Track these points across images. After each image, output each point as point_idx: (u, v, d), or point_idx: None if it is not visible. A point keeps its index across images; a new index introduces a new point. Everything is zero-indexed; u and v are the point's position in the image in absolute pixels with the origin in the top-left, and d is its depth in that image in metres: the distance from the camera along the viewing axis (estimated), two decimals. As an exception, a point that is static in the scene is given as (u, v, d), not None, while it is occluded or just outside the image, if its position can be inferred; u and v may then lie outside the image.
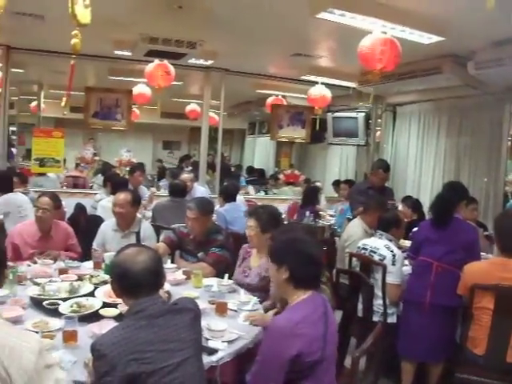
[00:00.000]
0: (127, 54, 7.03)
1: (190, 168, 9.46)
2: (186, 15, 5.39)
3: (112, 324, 2.68)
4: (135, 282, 2.15)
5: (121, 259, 2.21)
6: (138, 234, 4.49)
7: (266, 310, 3.36)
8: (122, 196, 4.44)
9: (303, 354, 2.18)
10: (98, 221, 5.30)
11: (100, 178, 8.50)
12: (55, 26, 6.09)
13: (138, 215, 4.75)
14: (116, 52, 7.11)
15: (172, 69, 6.59)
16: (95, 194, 7.18)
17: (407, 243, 4.92)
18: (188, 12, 5.32)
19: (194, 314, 2.24)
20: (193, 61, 7.07)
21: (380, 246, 4.27)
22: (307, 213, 7.13)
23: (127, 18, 5.58)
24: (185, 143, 16.58)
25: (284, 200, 9.14)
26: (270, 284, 3.60)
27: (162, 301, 2.21)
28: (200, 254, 4.19)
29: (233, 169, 12.82)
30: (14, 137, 9.62)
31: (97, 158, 10.38)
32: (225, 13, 5.35)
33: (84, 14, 3.73)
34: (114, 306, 3.00)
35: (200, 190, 7.08)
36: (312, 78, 8.17)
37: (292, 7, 4.96)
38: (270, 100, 9.90)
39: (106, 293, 3.21)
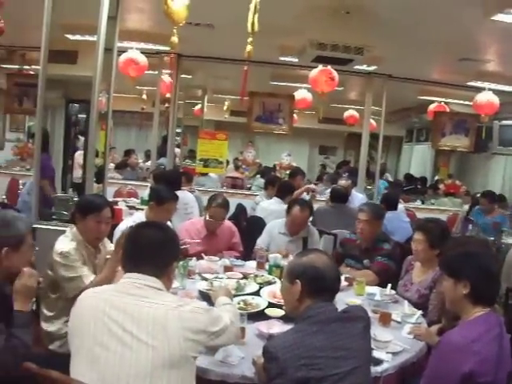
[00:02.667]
0: (293, 59, 7.15)
1: (347, 174, 9.41)
2: (353, 21, 5.36)
3: (279, 324, 2.74)
4: (327, 286, 2.16)
5: (314, 262, 2.19)
6: (305, 239, 4.52)
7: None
8: (299, 213, 4.46)
9: (475, 373, 2.06)
10: (258, 222, 5.43)
11: (258, 180, 8.73)
12: (224, 34, 6.38)
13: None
14: (281, 58, 7.27)
15: (335, 74, 6.60)
16: (255, 195, 7.38)
17: None
18: (355, 17, 5.29)
19: (366, 322, 2.20)
20: (356, 66, 7.03)
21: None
22: (470, 226, 6.80)
23: (295, 24, 5.67)
24: (340, 149, 16.54)
25: (443, 211, 8.76)
26: (429, 302, 3.47)
27: (335, 308, 2.19)
28: (365, 261, 4.14)
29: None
30: (177, 138, 10.18)
31: (257, 160, 10.67)
32: (392, 17, 5.24)
33: (255, 22, 3.86)
34: (279, 306, 3.04)
35: (358, 197, 7.00)
36: (478, 83, 7.76)
37: (464, 10, 4.74)
38: (432, 107, 9.56)
39: (270, 293, 3.28)
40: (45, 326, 3.03)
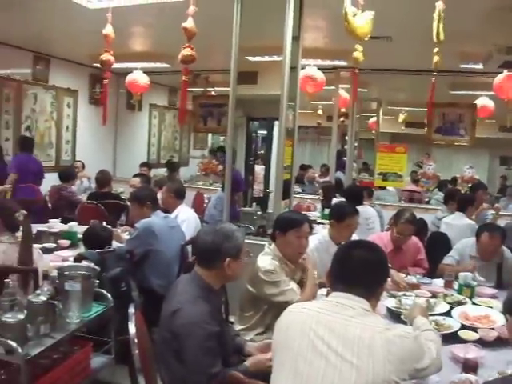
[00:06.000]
0: (476, 66, 6.83)
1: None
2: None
3: (476, 350, 2.55)
4: None
5: None
6: (499, 265, 4.18)
7: None
8: (489, 240, 4.13)
9: None
10: (442, 238, 5.24)
11: (438, 194, 8.43)
12: (402, 46, 6.28)
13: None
14: (462, 65, 6.97)
15: (522, 80, 6.16)
16: (435, 209, 7.14)
17: None
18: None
19: None
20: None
21: None
22: None
23: (478, 29, 5.40)
24: (525, 159, 15.32)
25: None
26: None
27: None
28: None
29: None
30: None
31: (438, 174, 10.29)
32: None
33: (441, 31, 3.75)
34: (473, 329, 2.89)
35: (546, 213, 6.46)
36: None
37: None
38: None
39: (462, 314, 3.13)
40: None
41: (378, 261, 2.11)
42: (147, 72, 7.94)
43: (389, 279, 3.86)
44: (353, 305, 1.94)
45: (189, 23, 4.49)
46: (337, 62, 7.54)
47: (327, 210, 6.44)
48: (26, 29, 6.83)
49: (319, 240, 3.92)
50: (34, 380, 2.45)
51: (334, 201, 7.12)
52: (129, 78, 7.69)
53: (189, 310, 2.31)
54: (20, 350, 2.32)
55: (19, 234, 3.35)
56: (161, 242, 4.24)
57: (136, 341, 2.37)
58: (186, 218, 5.03)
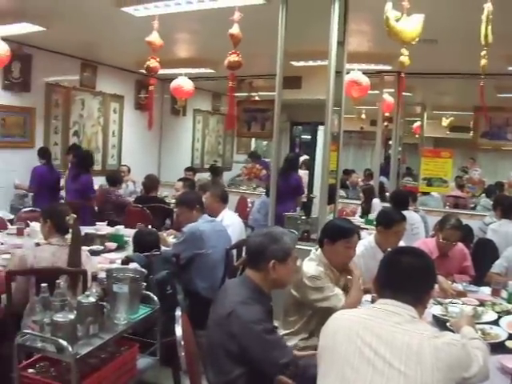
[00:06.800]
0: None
1: None
2: None
3: None
4: None
5: None
6: None
7: None
8: None
9: None
10: (488, 245, 5.12)
11: (484, 200, 8.26)
12: (447, 49, 6.18)
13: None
14: (510, 68, 6.83)
15: None
16: (481, 215, 7.00)
17: None
18: None
19: None
20: None
21: None
22: None
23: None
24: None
25: None
26: None
27: None
28: None
29: None
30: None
31: (484, 179, 10.08)
32: None
33: (489, 33, 3.68)
34: (523, 339, 2.83)
35: None
36: None
37: None
38: None
39: (510, 323, 3.05)
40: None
41: (425, 267, 2.09)
42: (191, 77, 8.02)
43: (436, 286, 3.83)
44: (400, 312, 1.92)
45: (235, 29, 4.54)
46: (381, 67, 7.49)
47: (371, 216, 6.41)
48: (75, 37, 7.02)
49: (365, 246, 3.89)
50: (83, 378, 2.50)
51: (374, 202, 7.10)
52: (173, 83, 7.77)
53: (242, 310, 2.34)
54: (70, 349, 2.38)
55: (68, 236, 3.45)
56: (207, 246, 4.28)
57: (182, 343, 2.40)
58: (230, 223, 5.04)
